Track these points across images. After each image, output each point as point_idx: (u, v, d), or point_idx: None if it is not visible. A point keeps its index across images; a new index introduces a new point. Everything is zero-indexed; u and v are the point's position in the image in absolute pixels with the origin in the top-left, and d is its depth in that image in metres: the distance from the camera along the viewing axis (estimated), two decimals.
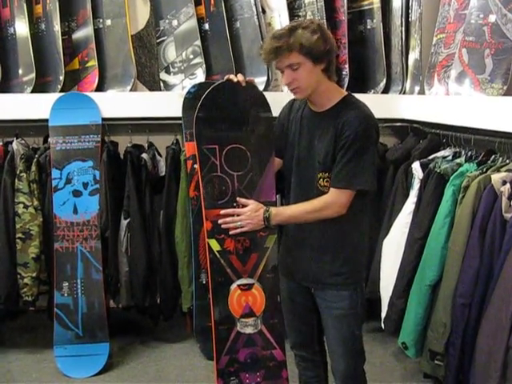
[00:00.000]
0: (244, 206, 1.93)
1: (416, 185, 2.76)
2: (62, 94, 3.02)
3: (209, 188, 1.96)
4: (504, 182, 2.10)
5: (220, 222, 1.93)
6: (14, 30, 3.12)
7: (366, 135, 1.81)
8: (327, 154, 1.84)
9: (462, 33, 2.73)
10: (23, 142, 3.13)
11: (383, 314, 2.89)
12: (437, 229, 2.42)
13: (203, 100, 1.94)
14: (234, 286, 1.98)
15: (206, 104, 1.95)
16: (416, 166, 2.76)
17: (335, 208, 1.85)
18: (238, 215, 1.93)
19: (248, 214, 1.92)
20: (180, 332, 3.28)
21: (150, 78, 3.38)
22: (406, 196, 2.87)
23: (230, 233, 1.93)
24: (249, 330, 2.00)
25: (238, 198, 1.94)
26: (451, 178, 2.43)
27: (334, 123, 1.82)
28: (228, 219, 1.93)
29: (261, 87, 3.19)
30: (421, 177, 2.71)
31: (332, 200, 1.84)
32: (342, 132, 1.79)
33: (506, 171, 2.19)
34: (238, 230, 1.93)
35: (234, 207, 1.95)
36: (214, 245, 1.97)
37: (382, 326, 2.89)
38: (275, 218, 1.90)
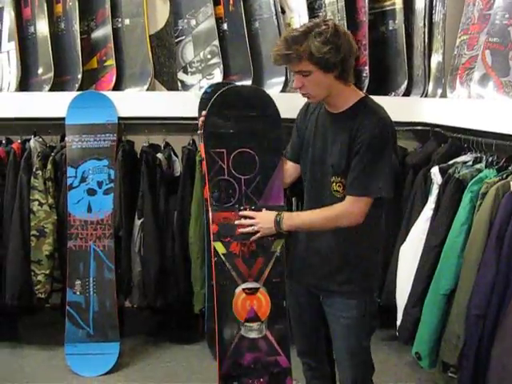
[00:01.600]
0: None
1: (434, 190, 2.68)
2: (79, 92, 3.03)
3: (215, 191, 1.95)
4: None
5: (236, 222, 1.92)
6: (35, 29, 3.16)
7: (382, 139, 1.74)
8: (341, 157, 1.78)
9: (486, 34, 2.63)
10: (40, 140, 3.15)
11: (398, 323, 2.81)
12: (453, 237, 2.34)
13: (212, 104, 1.94)
14: (238, 290, 1.94)
15: (215, 108, 1.95)
16: (435, 171, 2.68)
17: (352, 217, 1.78)
18: (251, 218, 1.90)
19: (261, 215, 1.90)
20: (191, 333, 3.25)
21: (168, 78, 3.38)
22: (425, 202, 2.79)
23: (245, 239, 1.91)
24: (253, 335, 1.96)
25: (241, 212, 1.92)
26: (469, 185, 2.35)
27: (348, 126, 1.76)
28: (245, 222, 1.90)
29: (278, 88, 3.16)
30: (439, 182, 2.63)
31: (347, 209, 1.78)
32: (357, 136, 1.74)
33: None
34: (254, 237, 1.90)
35: (241, 210, 1.93)
36: (220, 247, 1.95)
37: (397, 334, 2.81)
38: (286, 222, 1.86)
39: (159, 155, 3.12)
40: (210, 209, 1.96)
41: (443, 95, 3.09)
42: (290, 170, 2.03)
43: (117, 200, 2.99)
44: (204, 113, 1.94)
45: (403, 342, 2.74)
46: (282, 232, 1.89)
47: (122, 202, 3.02)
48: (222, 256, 1.95)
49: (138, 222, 3.06)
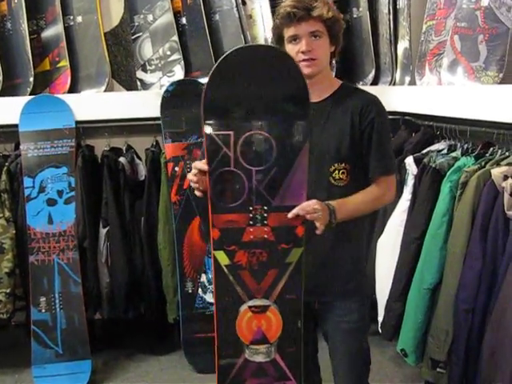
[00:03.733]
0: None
1: (410, 181, 2.61)
2: (32, 96, 2.84)
3: (218, 187, 1.57)
4: (505, 177, 1.95)
5: (299, 210, 1.55)
6: None
7: (387, 116, 1.75)
8: (340, 142, 1.67)
9: (454, 19, 2.58)
10: None
11: (380, 318, 2.74)
12: (434, 229, 2.27)
13: (214, 71, 1.51)
14: (244, 308, 1.65)
15: (219, 76, 1.51)
16: (409, 161, 2.61)
17: (389, 196, 1.75)
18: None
19: (314, 202, 1.56)
20: (166, 344, 3.11)
21: (126, 77, 3.23)
22: (400, 193, 2.72)
23: (309, 217, 1.54)
24: (259, 358, 1.69)
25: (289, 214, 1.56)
26: (448, 174, 2.28)
27: (344, 108, 1.68)
28: (307, 207, 1.55)
29: None
30: (415, 172, 2.56)
31: (385, 188, 1.71)
32: (363, 116, 1.67)
33: (506, 165, 2.05)
34: (318, 219, 1.54)
35: (250, 211, 1.58)
36: (222, 258, 1.63)
37: (380, 331, 2.74)
38: (340, 210, 1.59)
39: (121, 159, 2.96)
40: (210, 210, 1.60)
41: (412, 83, 3.04)
42: None
43: (79, 209, 2.83)
44: (192, 173, 1.60)
45: (387, 339, 2.67)
46: (331, 225, 1.59)
47: (85, 210, 2.86)
48: (224, 268, 1.63)
49: (103, 231, 2.90)
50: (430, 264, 2.26)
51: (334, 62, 3.02)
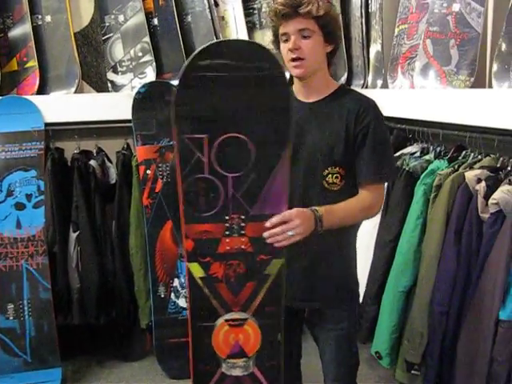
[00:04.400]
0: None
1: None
2: None
3: (191, 195, 1.47)
4: (479, 180, 1.97)
5: (265, 235, 1.47)
6: None
7: (383, 121, 1.70)
8: (334, 145, 1.63)
9: (426, 23, 2.60)
10: None
11: None
12: (408, 231, 2.28)
13: (186, 69, 1.39)
14: (220, 321, 1.58)
15: (191, 74, 1.39)
16: None
17: (380, 206, 1.70)
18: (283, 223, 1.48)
19: (295, 213, 1.47)
20: (139, 350, 3.06)
21: (97, 79, 3.15)
22: None
23: (277, 245, 1.48)
24: (237, 372, 1.61)
25: (270, 221, 1.47)
26: (422, 177, 2.29)
27: (339, 111, 1.64)
28: (276, 230, 1.46)
29: None
30: None
31: (376, 197, 1.65)
32: (358, 119, 1.62)
33: (479, 168, 2.07)
34: (291, 240, 1.47)
35: (227, 221, 1.49)
36: (197, 270, 1.54)
37: None
38: (327, 217, 1.53)
39: (92, 162, 2.90)
40: (182, 220, 1.50)
41: (384, 86, 3.05)
42: None
43: (48, 213, 2.76)
44: None
45: (361, 342, 2.66)
46: (319, 232, 1.53)
47: (55, 214, 2.79)
48: (199, 280, 1.54)
49: (73, 236, 2.83)
50: (405, 266, 2.27)
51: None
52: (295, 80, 1.72)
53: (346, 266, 1.77)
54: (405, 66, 2.81)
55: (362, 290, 2.63)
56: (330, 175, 1.64)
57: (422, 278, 2.18)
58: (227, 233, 1.49)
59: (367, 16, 3.12)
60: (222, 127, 1.43)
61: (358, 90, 3.09)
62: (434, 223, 2.14)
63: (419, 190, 2.28)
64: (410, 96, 2.69)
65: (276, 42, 1.68)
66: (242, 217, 1.48)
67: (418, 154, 2.59)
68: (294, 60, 1.61)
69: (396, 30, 2.92)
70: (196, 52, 1.39)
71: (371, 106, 1.67)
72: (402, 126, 2.82)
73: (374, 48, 3.13)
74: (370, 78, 3.17)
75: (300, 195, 1.65)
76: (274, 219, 1.46)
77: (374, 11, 3.08)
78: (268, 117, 1.43)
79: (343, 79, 3.17)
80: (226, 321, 1.57)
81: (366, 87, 3.17)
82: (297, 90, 1.72)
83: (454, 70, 2.45)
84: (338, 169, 1.64)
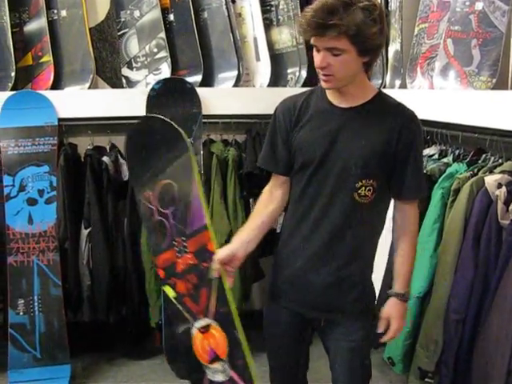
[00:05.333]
0: None
1: None
2: (13, 92, 2.75)
3: (153, 236, 1.87)
4: (499, 185, 1.91)
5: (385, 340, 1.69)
6: None
7: (422, 137, 1.64)
8: (370, 157, 1.54)
9: (447, 22, 2.54)
10: None
11: None
12: (425, 236, 2.22)
13: (126, 146, 1.92)
14: (194, 331, 1.77)
15: (130, 150, 1.91)
16: None
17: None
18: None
19: (394, 314, 1.67)
20: (148, 348, 3.04)
21: (111, 75, 3.14)
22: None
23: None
24: (220, 378, 1.75)
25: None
26: (439, 180, 2.24)
27: (379, 123, 1.56)
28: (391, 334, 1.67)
29: (231, 83, 2.98)
30: None
31: (416, 215, 1.67)
32: (403, 136, 1.54)
33: (500, 172, 2.01)
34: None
35: (175, 246, 1.77)
36: (170, 292, 1.81)
37: None
38: (409, 291, 1.72)
39: (105, 158, 2.87)
40: (152, 255, 1.91)
41: (403, 86, 2.99)
42: (286, 186, 1.71)
43: (60, 209, 2.74)
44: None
45: (373, 347, 2.61)
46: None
47: (67, 211, 2.77)
48: (173, 300, 1.80)
49: (84, 232, 2.81)
50: (420, 272, 2.21)
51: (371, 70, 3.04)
52: None
53: (367, 279, 1.71)
54: (424, 65, 2.75)
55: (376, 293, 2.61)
56: (362, 188, 1.55)
57: (437, 284, 2.13)
58: (178, 254, 1.78)
59: (386, 14, 3.06)
60: (157, 180, 1.81)
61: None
62: (451, 228, 2.08)
63: (437, 194, 2.22)
64: (429, 97, 2.64)
65: (308, 43, 1.53)
66: (183, 238, 1.78)
67: (436, 156, 2.53)
68: (322, 74, 1.51)
69: (416, 29, 2.86)
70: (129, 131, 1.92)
71: (414, 120, 1.58)
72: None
73: (393, 47, 3.07)
74: (388, 78, 3.11)
75: (323, 205, 1.58)
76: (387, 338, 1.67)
77: (394, 9, 3.02)
78: (176, 165, 1.80)
79: None
80: (198, 329, 1.77)
81: (384, 87, 3.11)
82: (330, 92, 1.60)
83: (476, 70, 2.39)
84: (371, 181, 1.55)
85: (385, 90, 3.00)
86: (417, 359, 2.20)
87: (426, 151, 2.63)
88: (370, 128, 1.55)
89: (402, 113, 1.58)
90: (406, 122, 1.56)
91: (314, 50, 1.49)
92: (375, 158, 1.54)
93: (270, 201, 1.71)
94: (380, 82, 3.10)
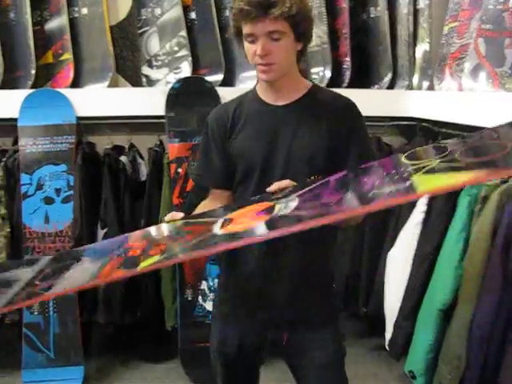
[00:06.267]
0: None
1: None
2: (32, 90, 2.73)
3: None
4: None
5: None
6: None
7: (364, 120, 1.55)
8: (316, 152, 1.47)
9: (479, 20, 2.42)
10: None
11: (387, 335, 2.60)
12: (450, 245, 2.12)
13: None
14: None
15: None
16: None
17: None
18: None
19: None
20: (163, 351, 2.98)
21: (131, 73, 3.10)
22: (414, 204, 2.57)
23: None
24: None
25: None
26: (467, 187, 2.12)
27: (317, 115, 1.49)
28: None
29: (252, 82, 2.89)
30: None
31: None
32: (344, 117, 1.49)
33: None
34: None
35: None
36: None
37: (387, 348, 2.60)
38: None
39: (123, 158, 2.84)
40: None
41: (430, 87, 2.88)
42: (227, 203, 1.56)
43: (77, 209, 2.71)
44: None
45: (394, 358, 2.53)
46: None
47: (83, 210, 2.74)
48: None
49: (101, 233, 2.77)
50: (444, 283, 2.11)
51: (347, 63, 2.95)
52: (261, 81, 1.53)
53: (330, 282, 1.61)
54: (453, 66, 2.64)
55: (397, 303, 2.51)
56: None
57: (462, 297, 2.02)
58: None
59: (415, 13, 2.95)
60: None
61: (403, 91, 2.98)
62: (478, 238, 1.97)
63: (464, 201, 2.11)
64: (458, 99, 2.53)
65: (238, 37, 1.46)
66: None
67: None
68: (262, 64, 1.42)
69: (445, 29, 2.75)
70: None
71: (352, 107, 1.53)
72: (447, 130, 2.66)
73: (421, 47, 2.96)
74: (415, 79, 3.01)
75: None
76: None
77: (423, 8, 2.91)
78: None
79: (387, 80, 3.01)
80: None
81: (411, 89, 3.01)
82: (263, 91, 1.54)
83: (509, 71, 2.28)
84: (321, 177, 1.35)
85: (412, 92, 2.94)
86: (439, 375, 2.10)
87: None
88: (310, 122, 1.49)
89: (340, 102, 1.53)
90: (345, 111, 1.51)
91: (248, 43, 1.42)
92: (321, 152, 1.46)
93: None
94: (407, 83, 3.00)
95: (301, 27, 1.42)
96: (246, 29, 1.39)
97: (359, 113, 1.53)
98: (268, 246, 1.46)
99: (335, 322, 1.58)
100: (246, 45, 1.43)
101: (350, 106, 1.52)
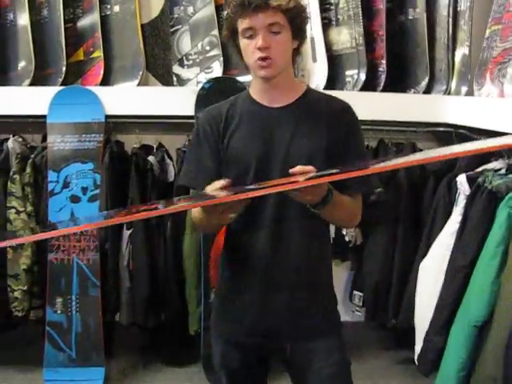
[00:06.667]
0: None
1: (461, 201, 2.35)
2: (63, 87, 2.72)
3: None
4: None
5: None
6: (14, 17, 2.83)
7: (360, 125, 1.56)
8: (313, 156, 1.43)
9: None
10: (20, 139, 2.84)
11: (417, 348, 2.50)
12: (486, 259, 2.01)
13: None
14: None
15: None
16: (462, 180, 2.35)
17: (359, 218, 1.57)
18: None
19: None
20: (186, 356, 2.94)
21: (162, 72, 3.07)
22: (449, 213, 2.47)
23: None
24: None
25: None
26: (506, 198, 2.01)
27: (315, 118, 1.48)
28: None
29: None
30: (467, 193, 2.30)
31: (360, 206, 1.54)
32: (341, 119, 1.49)
33: None
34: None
35: None
36: None
37: (416, 363, 2.50)
38: (336, 198, 1.37)
39: (151, 158, 2.81)
40: None
41: (469, 93, 2.78)
42: None
43: (103, 208, 2.68)
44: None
45: (423, 374, 2.41)
46: (319, 209, 1.36)
47: (109, 210, 2.70)
48: None
49: (126, 234, 2.74)
50: (479, 298, 2.00)
51: (383, 66, 2.87)
52: (256, 82, 1.51)
53: (329, 286, 1.58)
54: (495, 71, 2.53)
55: (428, 315, 2.41)
56: None
57: (498, 315, 1.91)
58: None
59: (455, 15, 2.85)
60: None
61: (440, 96, 2.88)
62: None
63: (503, 213, 2.00)
64: (499, 105, 2.42)
65: (233, 37, 1.46)
66: None
67: (503, 170, 2.30)
68: (261, 59, 1.40)
69: (487, 32, 2.64)
70: None
71: (348, 110, 1.53)
72: (486, 138, 2.55)
73: (461, 51, 2.86)
74: (453, 84, 2.91)
75: (273, 214, 1.45)
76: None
77: (464, 10, 2.81)
78: None
79: (424, 84, 2.92)
80: None
81: (449, 93, 2.91)
82: (257, 92, 1.51)
83: None
84: None
85: (449, 97, 2.84)
86: None
87: (492, 165, 2.40)
88: (308, 125, 1.47)
89: (337, 105, 1.53)
90: (342, 114, 1.51)
91: (246, 39, 1.41)
92: (320, 153, 1.45)
93: None
94: (445, 87, 2.90)
95: (297, 22, 1.44)
96: (245, 23, 1.39)
97: (355, 116, 1.53)
98: (268, 266, 1.47)
99: (338, 330, 1.56)
100: (244, 42, 1.42)
101: (347, 109, 1.52)
